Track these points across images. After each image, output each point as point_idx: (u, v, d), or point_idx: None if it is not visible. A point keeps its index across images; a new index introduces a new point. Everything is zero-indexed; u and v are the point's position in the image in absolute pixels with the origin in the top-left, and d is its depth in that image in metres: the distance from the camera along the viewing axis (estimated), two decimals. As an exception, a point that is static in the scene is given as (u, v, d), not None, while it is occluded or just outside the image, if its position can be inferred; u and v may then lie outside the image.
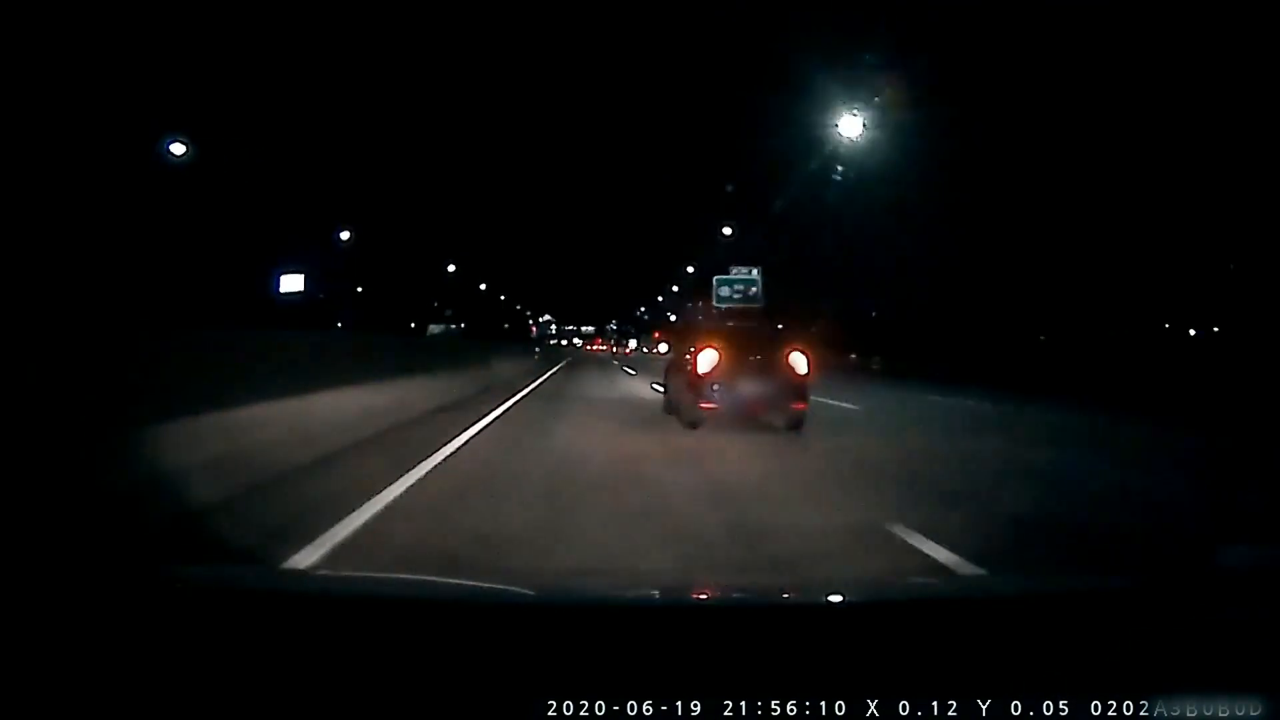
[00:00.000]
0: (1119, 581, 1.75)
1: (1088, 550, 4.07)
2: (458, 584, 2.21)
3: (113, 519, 3.75)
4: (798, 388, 9.14)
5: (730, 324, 11.72)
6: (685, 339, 10.99)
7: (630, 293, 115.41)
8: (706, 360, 9.14)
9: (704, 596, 1.93)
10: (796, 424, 9.17)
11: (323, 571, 3.36)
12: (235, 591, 1.71)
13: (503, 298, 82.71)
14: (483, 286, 69.57)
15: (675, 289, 72.93)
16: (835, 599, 1.78)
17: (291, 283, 33.80)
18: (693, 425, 9.18)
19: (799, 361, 9.25)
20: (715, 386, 9.02)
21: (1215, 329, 28.39)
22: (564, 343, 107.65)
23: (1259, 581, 1.57)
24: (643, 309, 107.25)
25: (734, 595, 1.51)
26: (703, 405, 9.04)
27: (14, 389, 3.74)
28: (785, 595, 1.59)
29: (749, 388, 9.06)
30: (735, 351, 9.30)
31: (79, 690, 1.28)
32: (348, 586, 2.04)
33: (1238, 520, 4.75)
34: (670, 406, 10.64)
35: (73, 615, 1.41)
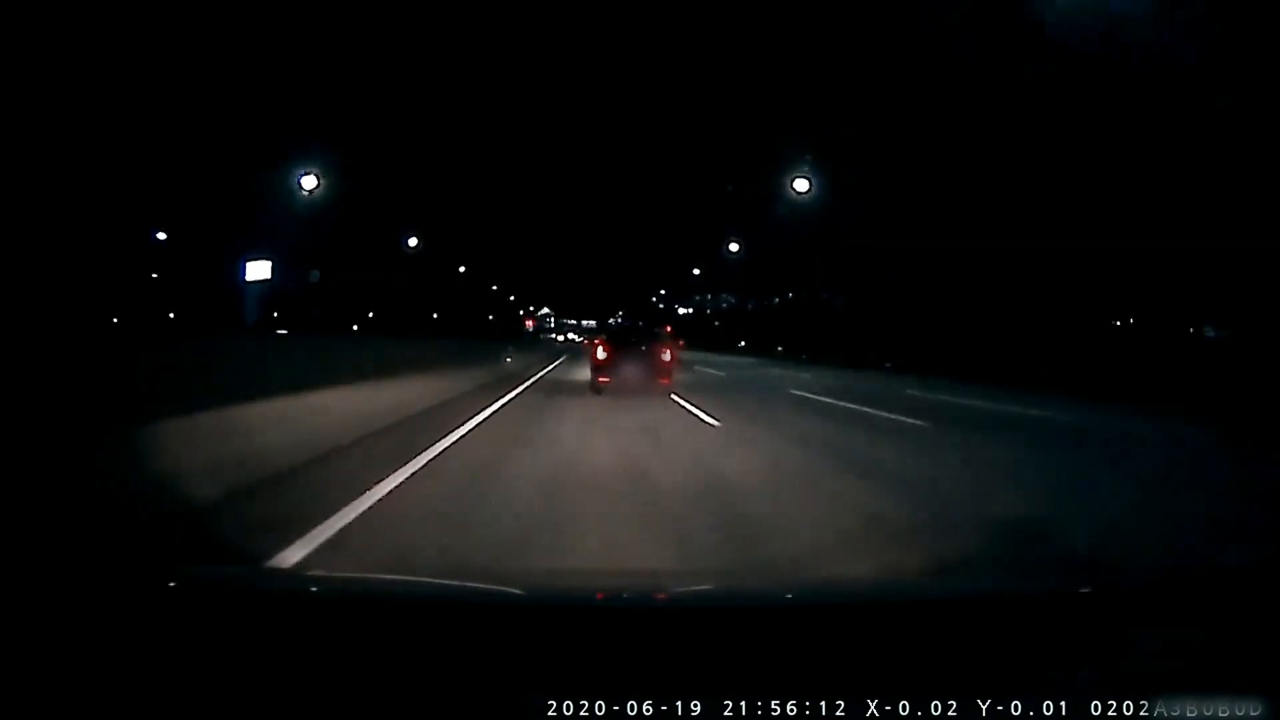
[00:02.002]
0: (1120, 582, 1.75)
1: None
2: (459, 585, 2.21)
3: (145, 502, 3.74)
4: (664, 369, 14.15)
5: (618, 327, 17.60)
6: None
7: (644, 279, 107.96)
8: (600, 351, 14.51)
9: (703, 596, 1.93)
10: (666, 392, 13.60)
11: (319, 572, 3.36)
12: (236, 591, 1.71)
13: (461, 268, 67.94)
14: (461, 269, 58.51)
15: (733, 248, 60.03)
16: (835, 599, 1.78)
17: (258, 270, 32.82)
18: (597, 392, 13.94)
19: (665, 352, 14.47)
20: (606, 367, 14.05)
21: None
22: (560, 338, 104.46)
23: (1259, 581, 1.57)
24: (661, 293, 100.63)
25: (733, 595, 1.51)
26: (599, 380, 14.13)
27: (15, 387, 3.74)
28: (785, 595, 1.60)
29: (628, 369, 14.01)
30: (620, 345, 14.59)
31: (76, 689, 1.29)
32: (348, 587, 2.04)
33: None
34: (591, 383, 15.14)
35: (74, 615, 1.41)
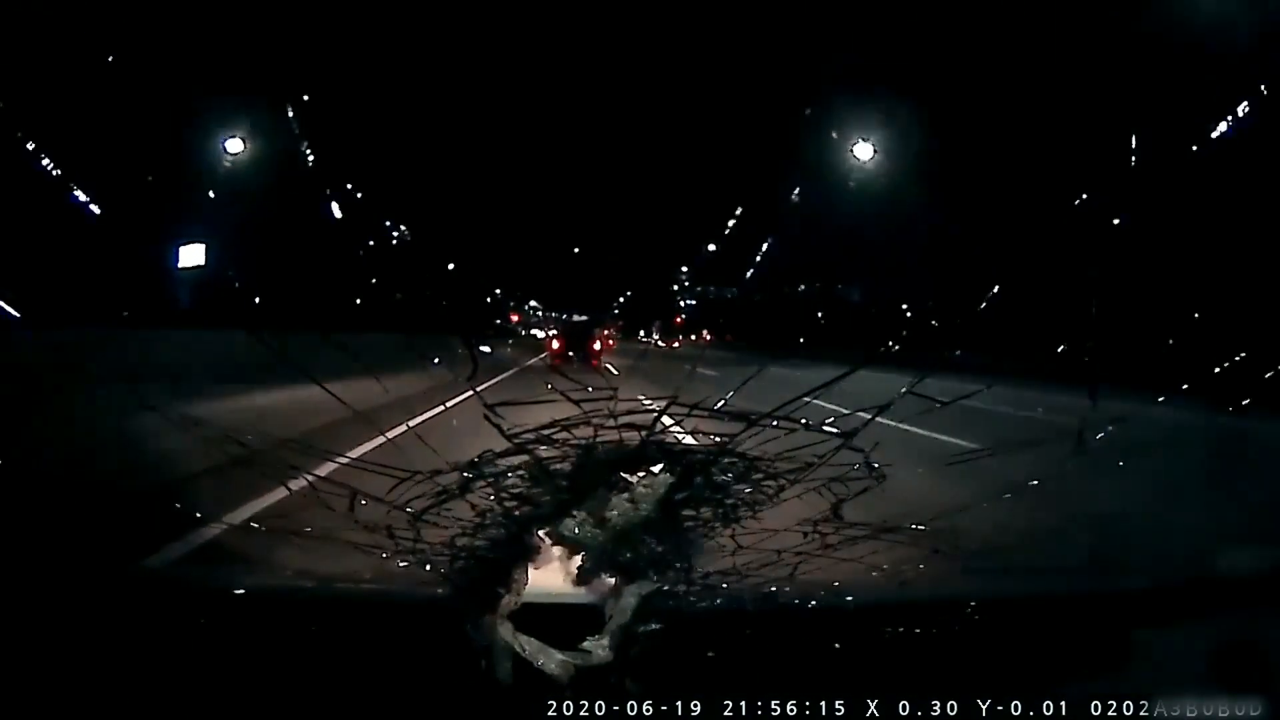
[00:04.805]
0: (1120, 583, 1.75)
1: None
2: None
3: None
4: (595, 354, 20.14)
5: (569, 321, 24.54)
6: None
7: (646, 271, 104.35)
8: (553, 339, 21.58)
9: (702, 595, 1.91)
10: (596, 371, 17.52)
11: (298, 579, 3.30)
12: (211, 591, 1.68)
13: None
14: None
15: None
16: (835, 599, 1.77)
17: (192, 255, 32.16)
18: (554, 370, 17.98)
19: (599, 340, 21.01)
20: (559, 353, 20.42)
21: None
22: (539, 333, 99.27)
23: (1259, 582, 1.57)
24: (687, 269, 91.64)
25: (733, 595, 1.50)
26: (554, 361, 19.71)
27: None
28: (785, 595, 1.59)
29: (574, 352, 20.25)
30: (568, 335, 21.78)
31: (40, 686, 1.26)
32: (330, 587, 2.01)
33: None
34: (548, 363, 20.59)
35: (39, 611, 1.38)
